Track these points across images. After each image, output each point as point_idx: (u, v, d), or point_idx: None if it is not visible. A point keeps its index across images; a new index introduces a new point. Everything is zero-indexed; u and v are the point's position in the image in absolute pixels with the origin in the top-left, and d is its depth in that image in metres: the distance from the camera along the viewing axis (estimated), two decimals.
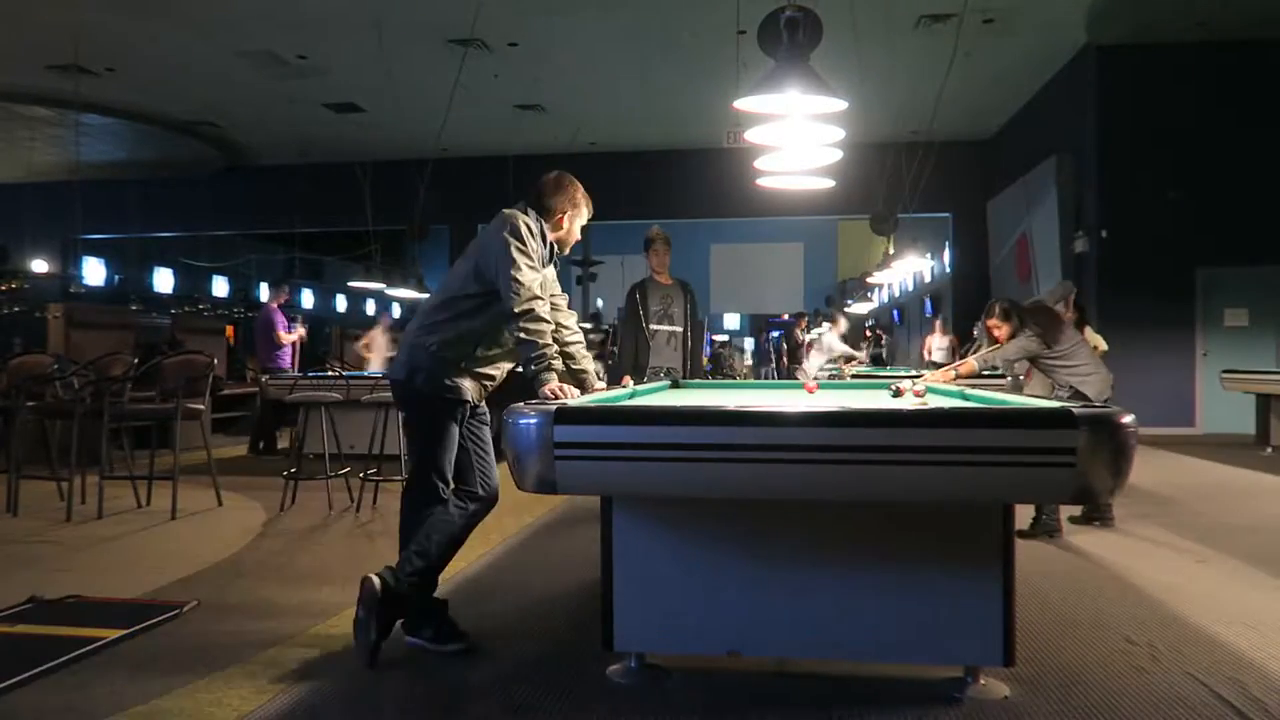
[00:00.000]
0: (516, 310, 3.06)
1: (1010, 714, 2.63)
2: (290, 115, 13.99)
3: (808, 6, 4.55)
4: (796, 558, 2.79)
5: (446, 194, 13.93)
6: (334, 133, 14.78)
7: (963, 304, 15.20)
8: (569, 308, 3.54)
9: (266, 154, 16.63)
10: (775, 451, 2.45)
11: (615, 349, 10.38)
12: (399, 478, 5.84)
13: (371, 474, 6.18)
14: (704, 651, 2.90)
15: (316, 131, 14.78)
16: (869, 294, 21.66)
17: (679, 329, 5.92)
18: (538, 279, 3.14)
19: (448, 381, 3.18)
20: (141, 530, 5.48)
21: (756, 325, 28.91)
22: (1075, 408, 2.42)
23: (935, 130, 11.62)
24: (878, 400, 3.57)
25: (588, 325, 12.64)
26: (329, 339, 15.95)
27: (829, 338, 11.90)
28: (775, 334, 23.48)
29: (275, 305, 9.69)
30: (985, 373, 6.32)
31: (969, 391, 3.85)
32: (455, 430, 3.24)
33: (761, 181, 6.95)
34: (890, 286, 22.66)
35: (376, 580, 3.02)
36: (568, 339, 3.42)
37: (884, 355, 17.25)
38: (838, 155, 5.75)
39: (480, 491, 3.30)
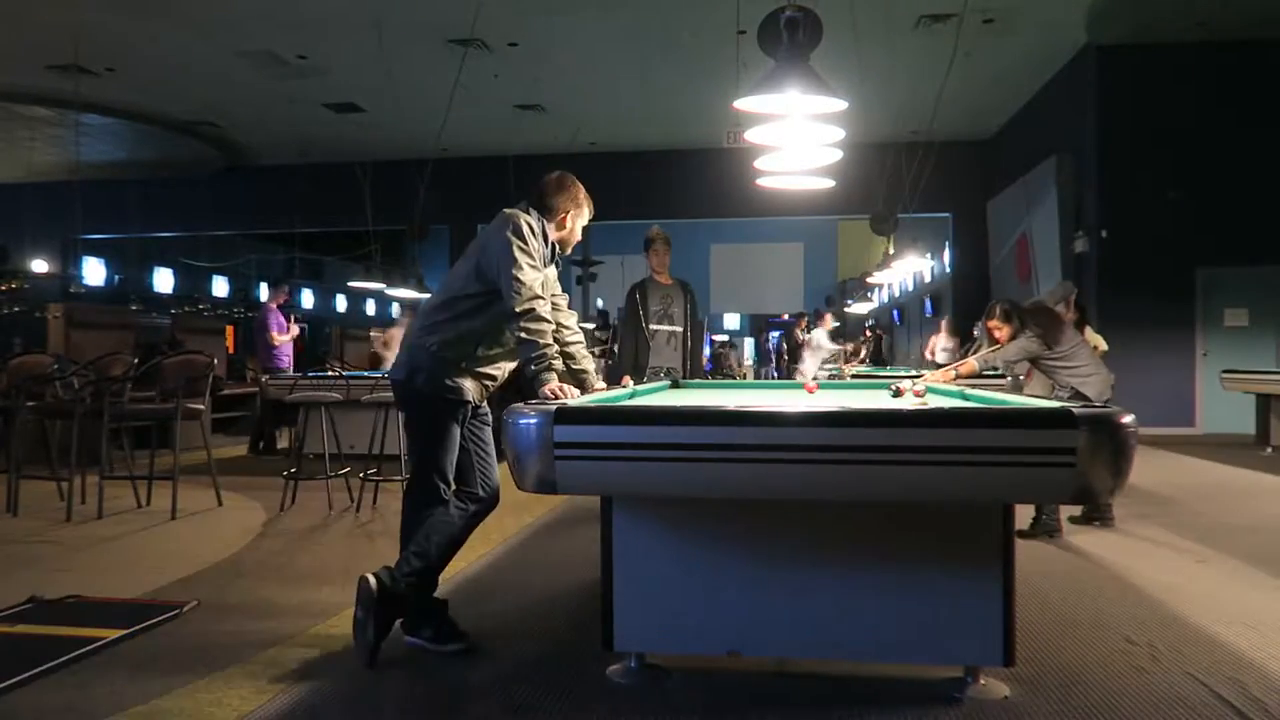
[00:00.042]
0: (517, 310, 3.06)
1: (1010, 714, 2.63)
2: (290, 115, 13.99)
3: (808, 6, 4.55)
4: (796, 558, 2.79)
5: (446, 194, 13.93)
6: (334, 133, 14.78)
7: (963, 304, 15.20)
8: (569, 308, 3.54)
9: (266, 154, 16.63)
10: (775, 451, 2.45)
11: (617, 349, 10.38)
12: (399, 478, 5.85)
13: (371, 474, 6.19)
14: (704, 651, 2.90)
15: (316, 131, 14.78)
16: (869, 294, 21.68)
17: (679, 329, 5.92)
18: (539, 279, 3.14)
19: (449, 382, 3.18)
20: (141, 530, 5.48)
21: (756, 325, 28.92)
22: (1075, 408, 2.42)
23: (935, 130, 11.62)
24: (878, 400, 3.57)
25: (591, 325, 12.64)
26: (329, 339, 15.95)
27: (818, 336, 11.95)
28: (775, 335, 23.51)
29: (273, 305, 9.69)
30: (985, 373, 6.32)
31: (969, 391, 3.85)
32: (456, 431, 3.24)
33: (761, 181, 6.95)
34: (890, 286, 22.66)
35: (372, 580, 3.02)
36: (568, 339, 3.42)
37: (884, 355, 17.25)
38: (838, 155, 5.75)
39: (481, 492, 3.30)
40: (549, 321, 3.13)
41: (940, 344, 11.92)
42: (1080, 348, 5.34)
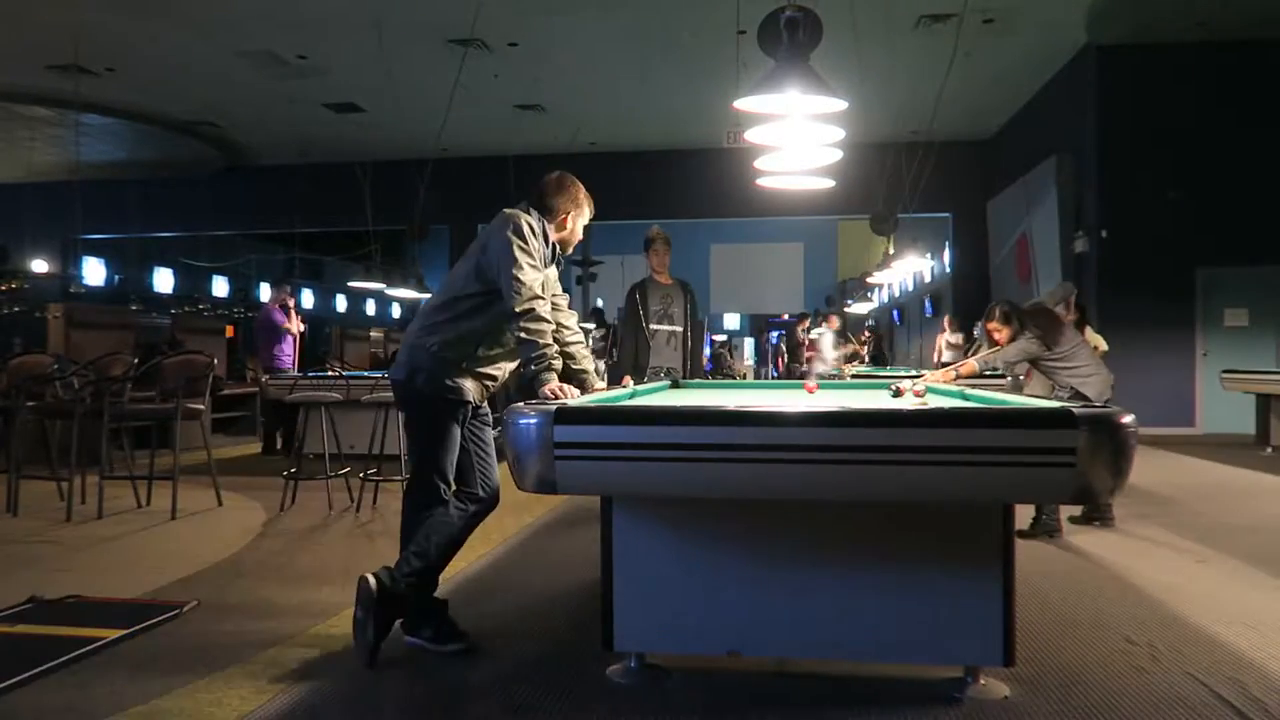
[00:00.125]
0: (517, 310, 3.05)
1: (1010, 714, 2.63)
2: (290, 115, 13.99)
3: (808, 6, 4.56)
4: (796, 558, 2.79)
5: (446, 194, 13.93)
6: (334, 133, 14.78)
7: (963, 304, 15.20)
8: (569, 307, 3.54)
9: (266, 154, 16.63)
10: (775, 451, 2.45)
11: (615, 349, 10.37)
12: (399, 478, 5.85)
13: (371, 474, 6.19)
14: (704, 651, 2.90)
15: (316, 131, 14.79)
16: (869, 294, 21.67)
17: (679, 329, 5.92)
18: (539, 278, 3.14)
19: (449, 382, 3.18)
20: (141, 530, 5.48)
21: (756, 325, 28.90)
22: (1075, 408, 2.42)
23: (935, 130, 11.62)
24: (878, 400, 3.57)
25: (589, 325, 12.62)
26: (329, 339, 15.95)
27: (825, 339, 11.85)
28: (775, 335, 23.51)
29: (275, 306, 9.69)
30: (986, 373, 6.32)
31: (969, 391, 3.85)
32: (456, 431, 3.23)
33: (761, 181, 6.95)
34: (890, 286, 22.66)
35: (372, 580, 3.02)
36: (568, 339, 3.42)
37: (885, 355, 17.24)
38: (838, 155, 5.75)
39: (481, 492, 3.30)
40: (549, 321, 3.13)
41: (946, 339, 11.90)
42: (1080, 348, 5.34)
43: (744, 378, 18.51)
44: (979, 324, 8.06)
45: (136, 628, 3.40)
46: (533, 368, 3.06)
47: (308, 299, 27.19)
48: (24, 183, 18.09)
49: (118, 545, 5.10)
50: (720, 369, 17.90)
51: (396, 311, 30.87)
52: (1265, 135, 11.02)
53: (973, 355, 7.46)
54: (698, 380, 5.65)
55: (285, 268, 24.12)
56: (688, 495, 2.72)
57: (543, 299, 3.13)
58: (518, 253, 3.10)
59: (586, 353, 3.49)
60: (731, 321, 29.25)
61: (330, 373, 8.72)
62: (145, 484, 6.21)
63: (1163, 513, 5.94)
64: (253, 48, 11.30)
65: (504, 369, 3.35)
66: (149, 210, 18.01)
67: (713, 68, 10.93)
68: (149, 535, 5.37)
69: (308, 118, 14.07)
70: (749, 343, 28.62)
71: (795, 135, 5.17)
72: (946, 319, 12.85)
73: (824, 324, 12.71)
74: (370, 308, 31.62)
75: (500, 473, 3.24)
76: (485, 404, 3.39)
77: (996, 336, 5.32)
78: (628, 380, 4.02)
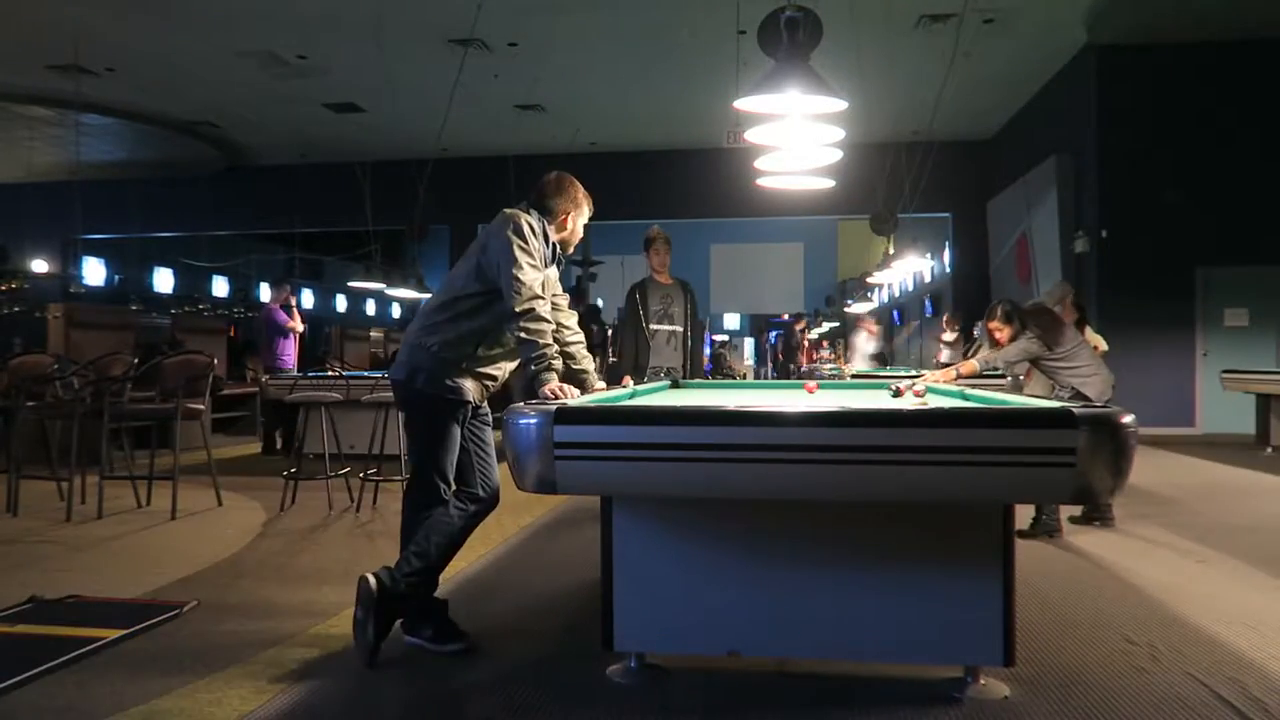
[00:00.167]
0: (517, 309, 3.05)
1: (1010, 714, 2.63)
2: (290, 115, 14.00)
3: (808, 6, 4.56)
4: (796, 558, 2.79)
5: (446, 194, 13.94)
6: (334, 133, 14.78)
7: (963, 304, 15.18)
8: (569, 308, 3.54)
9: (266, 154, 16.63)
10: (775, 451, 2.45)
11: (614, 348, 10.34)
12: (399, 478, 5.85)
13: (371, 474, 6.19)
14: (704, 651, 2.90)
15: (316, 131, 14.79)
16: (869, 294, 21.66)
17: (679, 329, 5.92)
18: (539, 278, 3.14)
19: (449, 382, 3.18)
20: (141, 530, 5.48)
21: (756, 325, 28.90)
22: (1075, 408, 2.42)
23: (935, 130, 11.61)
24: (878, 400, 3.57)
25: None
26: (329, 339, 15.95)
27: (861, 342, 11.56)
28: (774, 335, 23.51)
29: (276, 305, 9.70)
30: (986, 373, 6.31)
31: (969, 391, 3.85)
32: (457, 431, 3.23)
33: (761, 181, 6.96)
34: (890, 286, 22.66)
35: (372, 579, 3.02)
36: (568, 339, 3.42)
37: (885, 355, 17.23)
38: (838, 155, 5.75)
39: (481, 492, 3.30)
40: (549, 321, 3.13)
41: (944, 338, 11.80)
42: (1081, 348, 5.34)
43: (744, 377, 18.52)
44: (979, 324, 8.05)
45: (136, 628, 3.39)
46: (533, 368, 3.06)
47: (308, 299, 27.17)
48: (24, 183, 18.09)
49: (118, 545, 5.10)
50: (720, 369, 17.90)
51: (396, 311, 30.87)
52: (1265, 135, 11.02)
53: (973, 355, 7.46)
54: (698, 380, 5.65)
55: (285, 268, 24.11)
56: (688, 495, 2.72)
57: (543, 299, 3.12)
58: (518, 252, 3.10)
59: (587, 353, 3.49)
60: (731, 321, 29.25)
61: (330, 373, 8.72)
62: (145, 484, 6.21)
63: (1163, 513, 5.94)
64: (253, 48, 11.30)
65: (504, 369, 3.35)
66: (149, 210, 18.01)
67: (713, 68, 10.93)
68: (149, 535, 5.37)
69: (308, 118, 14.07)
70: (749, 343, 28.62)
71: (795, 135, 5.17)
72: (944, 319, 12.79)
73: (860, 327, 12.38)
74: (370, 308, 31.61)
75: (500, 473, 3.24)
76: (485, 404, 3.39)
77: (998, 336, 5.32)
78: (628, 380, 4.02)
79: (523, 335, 3.06)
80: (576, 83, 12.73)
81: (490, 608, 3.77)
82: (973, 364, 5.37)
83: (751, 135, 5.29)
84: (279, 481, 6.32)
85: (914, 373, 7.73)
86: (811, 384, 4.45)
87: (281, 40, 11.10)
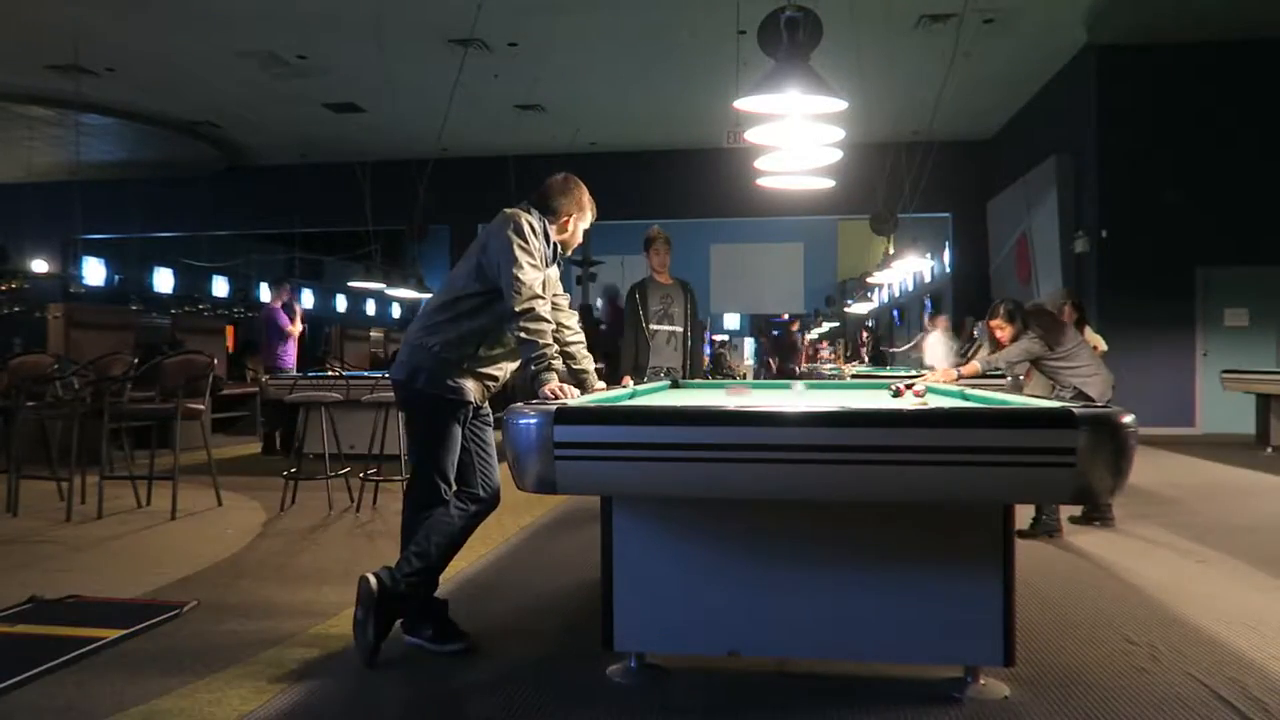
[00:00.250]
0: (517, 309, 3.05)
1: (1010, 714, 2.63)
2: (290, 115, 14.00)
3: (808, 6, 4.56)
4: (796, 558, 2.79)
5: (446, 194, 13.92)
6: (334, 133, 14.78)
7: (963, 304, 15.19)
8: (569, 307, 3.54)
9: (266, 154, 16.63)
10: (775, 451, 2.45)
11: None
12: (399, 478, 5.85)
13: (371, 474, 6.19)
14: (704, 651, 2.90)
15: (316, 131, 14.79)
16: (869, 294, 21.66)
17: (679, 329, 5.91)
18: (539, 278, 3.14)
19: (450, 383, 3.18)
20: (141, 530, 5.48)
21: (756, 325, 28.90)
22: (1075, 408, 2.43)
23: (935, 130, 11.61)
24: (878, 400, 3.56)
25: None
26: (329, 339, 15.95)
27: (935, 346, 10.88)
28: (774, 334, 23.50)
29: (277, 305, 9.70)
30: (989, 372, 6.31)
31: (969, 391, 3.85)
32: (457, 431, 3.23)
33: (761, 181, 6.95)
34: (890, 286, 22.66)
35: (373, 579, 3.02)
36: (569, 339, 3.42)
37: (885, 355, 17.22)
38: (838, 155, 5.75)
39: (481, 493, 3.30)
40: (549, 321, 3.13)
41: (932, 340, 11.46)
42: (1081, 348, 5.36)
43: (744, 377, 18.52)
44: (979, 324, 8.05)
45: (136, 628, 3.39)
46: (533, 368, 3.06)
47: (308, 299, 27.18)
48: (24, 183, 18.08)
49: (118, 545, 5.10)
50: (720, 369, 17.89)
51: (396, 311, 30.87)
52: (1265, 135, 11.02)
53: (973, 355, 7.47)
54: (698, 380, 5.65)
55: (285, 268, 24.12)
56: (687, 495, 2.71)
57: (543, 298, 3.12)
58: (518, 252, 3.10)
59: (587, 353, 3.49)
60: (731, 321, 29.24)
61: (330, 373, 8.72)
62: (145, 484, 6.21)
63: (1163, 513, 5.94)
64: (253, 48, 11.30)
65: (505, 369, 3.35)
66: (149, 210, 18.01)
67: (713, 68, 10.93)
68: (149, 535, 5.37)
69: (308, 118, 14.07)
70: (749, 343, 28.62)
71: (795, 135, 5.17)
72: (928, 319, 12.65)
73: (930, 327, 11.65)
74: (370, 308, 31.61)
75: (500, 473, 3.24)
76: (486, 404, 3.38)
77: (999, 334, 5.32)
78: (628, 380, 4.02)
79: (523, 335, 3.06)
80: (576, 83, 12.73)
81: (490, 608, 3.76)
82: (975, 365, 5.38)
83: (751, 135, 5.28)
84: (279, 481, 6.32)
85: (914, 373, 7.73)
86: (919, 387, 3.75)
87: (281, 40, 11.10)
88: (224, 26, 10.64)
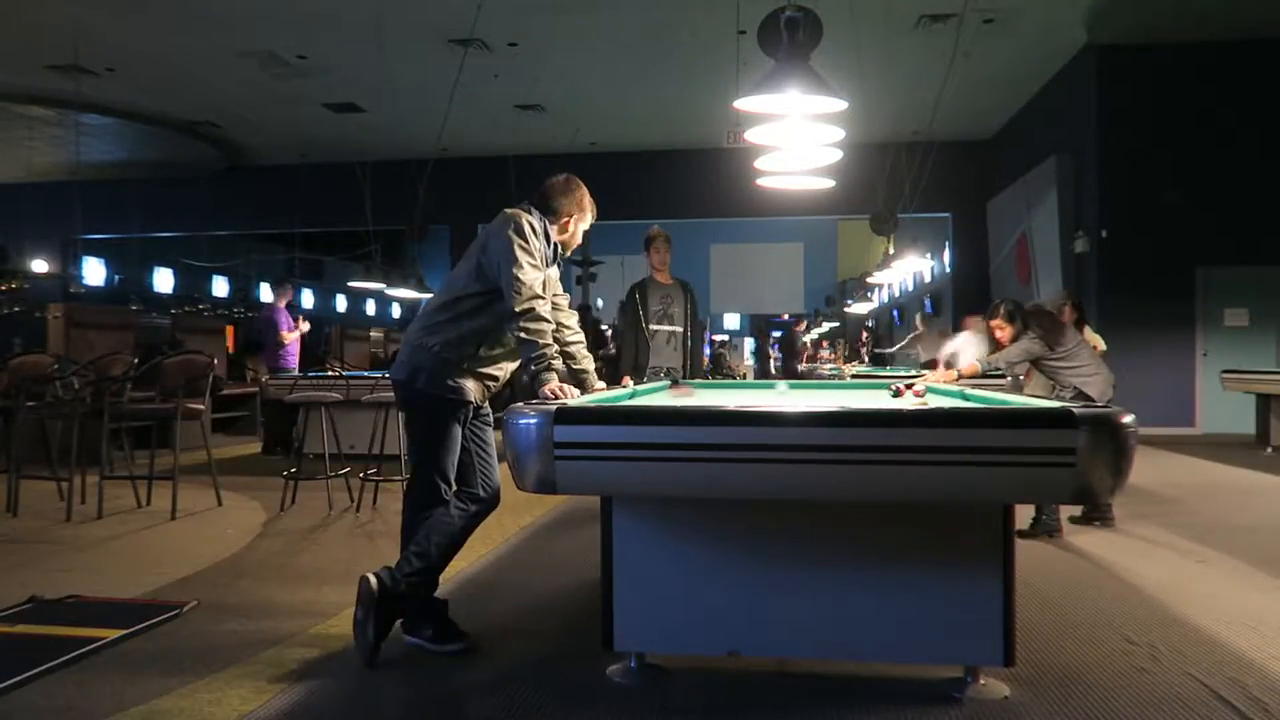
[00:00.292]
0: (517, 309, 3.05)
1: (1010, 714, 2.63)
2: (290, 115, 14.00)
3: (808, 6, 4.56)
4: (796, 558, 2.79)
5: (446, 194, 13.93)
6: (334, 133, 14.78)
7: (963, 304, 15.17)
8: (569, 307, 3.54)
9: (266, 154, 16.63)
10: (775, 451, 2.45)
11: (613, 349, 10.28)
12: (399, 478, 5.85)
13: (371, 474, 6.19)
14: (704, 651, 2.90)
15: (316, 131, 14.78)
16: (869, 294, 21.67)
17: (679, 329, 5.91)
18: (539, 278, 3.14)
19: (450, 383, 3.18)
20: (141, 530, 5.48)
21: (756, 325, 28.91)
22: (1075, 408, 2.43)
23: (935, 130, 11.61)
24: (878, 400, 3.56)
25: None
26: (329, 339, 15.95)
27: (966, 348, 10.73)
28: (779, 334, 23.52)
29: (280, 305, 9.72)
30: (989, 372, 6.31)
31: (969, 391, 3.85)
32: (458, 431, 3.23)
33: (761, 181, 6.96)
34: (890, 286, 22.66)
35: (373, 579, 3.02)
36: (569, 339, 3.42)
37: (885, 355, 17.23)
38: (838, 155, 5.75)
39: (481, 493, 3.30)
40: (549, 321, 3.13)
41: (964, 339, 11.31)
42: (1081, 347, 5.36)
43: (744, 377, 18.52)
44: (962, 333, 8.03)
45: (136, 628, 3.39)
46: (533, 368, 3.06)
47: (308, 299, 27.20)
48: (24, 183, 18.08)
49: (118, 545, 5.10)
50: (720, 369, 17.88)
51: (396, 311, 30.87)
52: (1265, 135, 11.02)
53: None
54: (698, 380, 5.65)
55: (285, 268, 24.12)
56: (687, 495, 2.72)
57: (543, 298, 3.12)
58: (518, 252, 3.10)
59: (587, 353, 3.49)
60: (731, 321, 29.27)
61: (330, 373, 8.72)
62: (145, 484, 6.21)
63: (1163, 513, 5.94)
64: (253, 48, 11.30)
65: (505, 369, 3.35)
66: (149, 210, 18.01)
67: (713, 68, 10.93)
68: (149, 535, 5.37)
69: (308, 118, 14.07)
70: (749, 343, 28.62)
71: (795, 135, 5.17)
72: (919, 318, 12.62)
73: (967, 327, 11.42)
74: (370, 308, 31.62)
75: (500, 473, 3.24)
76: (486, 404, 3.38)
77: (999, 334, 5.33)
78: (628, 380, 4.02)
79: (523, 335, 3.06)
80: (576, 83, 12.73)
81: (490, 608, 3.76)
82: (975, 365, 5.38)
83: (751, 135, 5.29)
84: (279, 481, 6.32)
85: (914, 373, 7.73)
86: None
87: (281, 40, 11.10)
88: (224, 26, 10.64)
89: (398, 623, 3.13)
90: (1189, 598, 3.86)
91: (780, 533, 2.79)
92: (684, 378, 5.45)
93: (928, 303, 19.20)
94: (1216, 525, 5.55)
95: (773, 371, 19.98)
